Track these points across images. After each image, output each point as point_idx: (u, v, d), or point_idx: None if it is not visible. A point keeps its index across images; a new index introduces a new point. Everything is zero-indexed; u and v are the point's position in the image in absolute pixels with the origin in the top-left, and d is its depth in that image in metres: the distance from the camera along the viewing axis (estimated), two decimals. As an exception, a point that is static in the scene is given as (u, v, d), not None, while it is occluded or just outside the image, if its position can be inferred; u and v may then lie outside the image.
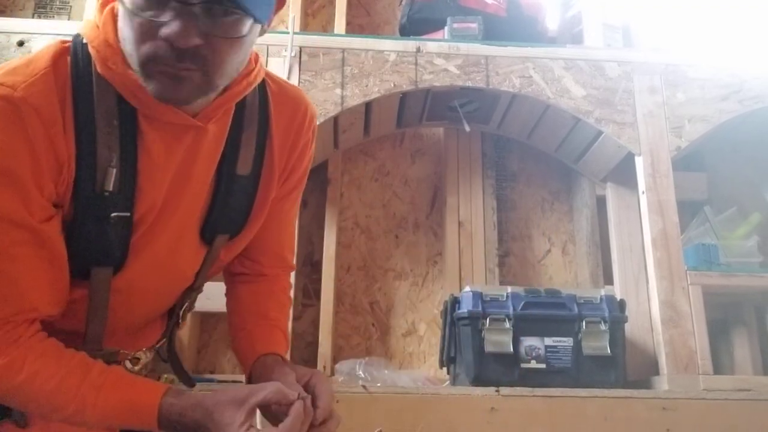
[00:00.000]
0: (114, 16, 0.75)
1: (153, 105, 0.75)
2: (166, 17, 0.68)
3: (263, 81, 0.90)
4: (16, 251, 0.73)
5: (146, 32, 0.69)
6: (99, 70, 0.75)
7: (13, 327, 0.74)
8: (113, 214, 0.77)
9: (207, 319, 1.90)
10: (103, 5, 0.77)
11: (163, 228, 0.82)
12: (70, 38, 0.78)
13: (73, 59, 0.75)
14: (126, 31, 0.71)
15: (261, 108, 0.90)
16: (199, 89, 0.73)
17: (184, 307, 0.97)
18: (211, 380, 1.63)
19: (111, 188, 0.76)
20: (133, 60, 0.72)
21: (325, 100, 1.73)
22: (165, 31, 0.68)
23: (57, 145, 0.73)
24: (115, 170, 0.76)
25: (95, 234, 0.77)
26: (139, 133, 0.77)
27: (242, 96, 0.84)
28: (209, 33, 0.69)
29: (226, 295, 1.04)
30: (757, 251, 1.84)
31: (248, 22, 0.72)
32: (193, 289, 0.96)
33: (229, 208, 0.88)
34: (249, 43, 0.76)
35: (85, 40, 0.76)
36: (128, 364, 0.91)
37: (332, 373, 1.81)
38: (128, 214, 0.78)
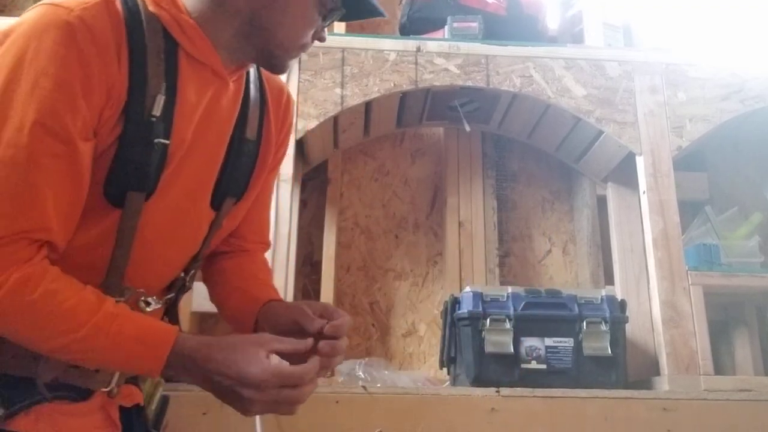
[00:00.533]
0: None
1: (200, 44, 0.85)
2: (320, 23, 0.90)
3: None
4: (48, 163, 0.73)
5: (309, 30, 0.89)
6: (150, 9, 0.82)
7: (27, 244, 0.72)
8: (156, 140, 0.80)
9: (206, 319, 1.90)
10: None
11: (186, 167, 0.86)
12: None
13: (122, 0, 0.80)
14: (299, 23, 0.87)
15: (258, 80, 0.98)
16: None
17: (191, 273, 0.98)
18: (210, 381, 1.62)
19: (158, 114, 0.80)
20: (287, 40, 0.88)
21: (324, 99, 1.73)
22: (323, 34, 0.91)
23: (109, 68, 0.76)
24: (163, 98, 0.81)
25: (139, 157, 0.79)
26: (178, 69, 0.83)
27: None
28: None
29: (207, 277, 1.06)
30: (758, 251, 1.84)
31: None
32: (197, 260, 0.97)
33: (237, 171, 0.94)
34: None
35: None
36: (141, 304, 0.90)
37: (332, 374, 1.80)
38: (168, 141, 0.82)
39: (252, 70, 0.97)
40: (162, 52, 0.81)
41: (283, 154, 1.06)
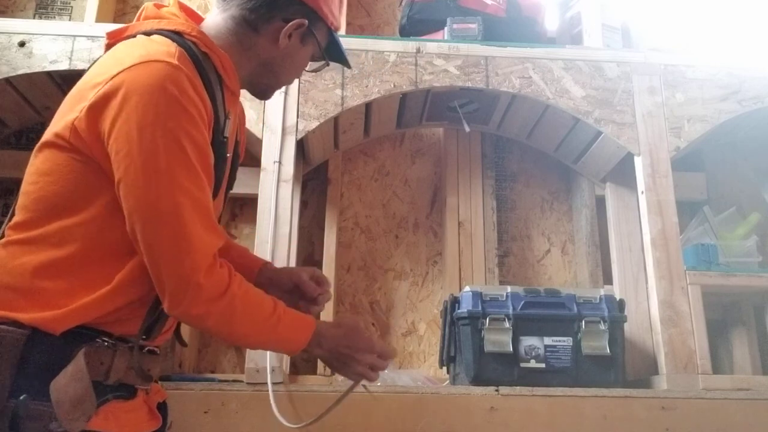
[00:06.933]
0: (183, 8, 1.04)
1: (233, 78, 1.03)
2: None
3: None
4: (208, 192, 0.92)
5: (300, 72, 1.13)
6: (202, 49, 0.97)
7: (219, 251, 0.93)
8: (227, 154, 1.00)
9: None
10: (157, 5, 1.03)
11: (226, 172, 1.05)
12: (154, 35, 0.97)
13: (182, 45, 0.94)
14: (297, 70, 1.12)
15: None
16: None
17: None
18: (212, 380, 1.63)
19: (227, 134, 0.99)
20: (280, 81, 1.12)
21: (325, 100, 1.74)
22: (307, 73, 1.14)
23: (205, 103, 0.92)
24: (229, 121, 1.00)
25: (218, 169, 0.97)
26: (225, 97, 1.01)
27: None
28: None
29: None
30: (756, 251, 1.85)
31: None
32: None
33: (235, 167, 1.12)
34: None
35: (174, 29, 0.97)
36: None
37: (333, 373, 1.81)
38: (230, 154, 1.03)
39: None
40: (217, 84, 0.98)
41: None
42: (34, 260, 0.88)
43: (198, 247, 0.87)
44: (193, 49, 0.95)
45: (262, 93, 1.14)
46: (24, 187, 0.94)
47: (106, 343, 0.90)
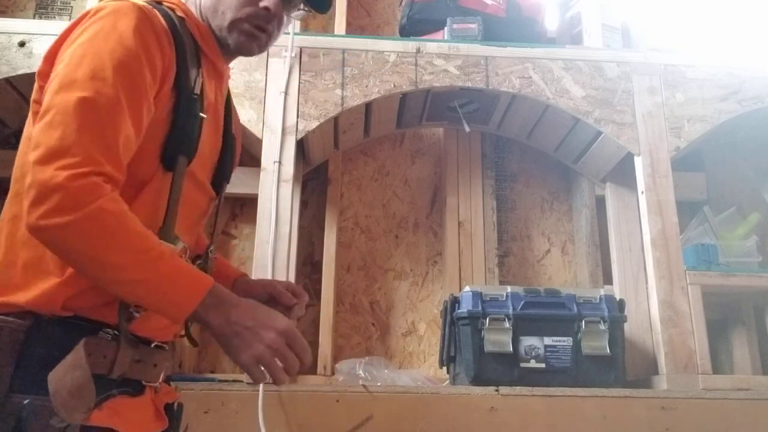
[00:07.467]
0: None
1: (211, 45, 1.02)
2: None
3: None
4: (120, 111, 0.84)
5: (251, 1, 1.01)
6: (178, 13, 0.98)
7: (105, 181, 0.80)
8: (199, 114, 0.97)
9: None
10: None
11: (203, 141, 1.00)
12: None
13: (154, 5, 0.94)
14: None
15: None
16: (260, 48, 1.05)
17: (210, 248, 1.12)
18: (212, 380, 1.63)
19: (198, 92, 0.97)
20: (226, 16, 1.01)
21: (325, 100, 1.74)
22: (266, 2, 1.00)
23: (164, 49, 0.91)
24: (200, 79, 0.98)
25: (188, 127, 0.95)
26: (201, 62, 1.00)
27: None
28: (283, 11, 1.04)
29: None
30: (756, 251, 1.85)
31: (302, 10, 1.08)
32: (212, 241, 1.12)
33: (228, 162, 1.10)
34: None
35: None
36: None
37: (332, 373, 1.81)
38: (204, 115, 0.98)
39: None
40: (192, 47, 0.98)
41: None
42: (20, 231, 0.86)
43: (77, 154, 0.78)
44: (170, 13, 0.96)
45: (234, 43, 1.03)
46: (16, 162, 0.93)
47: (108, 336, 0.87)
